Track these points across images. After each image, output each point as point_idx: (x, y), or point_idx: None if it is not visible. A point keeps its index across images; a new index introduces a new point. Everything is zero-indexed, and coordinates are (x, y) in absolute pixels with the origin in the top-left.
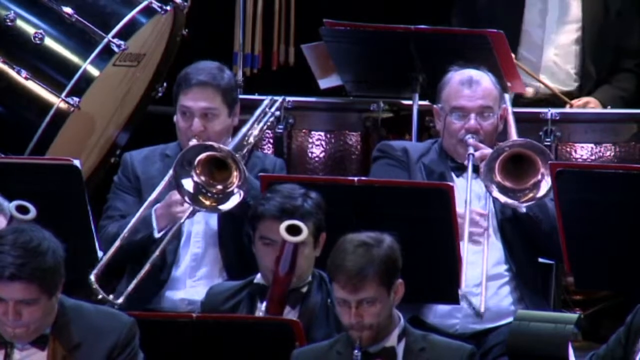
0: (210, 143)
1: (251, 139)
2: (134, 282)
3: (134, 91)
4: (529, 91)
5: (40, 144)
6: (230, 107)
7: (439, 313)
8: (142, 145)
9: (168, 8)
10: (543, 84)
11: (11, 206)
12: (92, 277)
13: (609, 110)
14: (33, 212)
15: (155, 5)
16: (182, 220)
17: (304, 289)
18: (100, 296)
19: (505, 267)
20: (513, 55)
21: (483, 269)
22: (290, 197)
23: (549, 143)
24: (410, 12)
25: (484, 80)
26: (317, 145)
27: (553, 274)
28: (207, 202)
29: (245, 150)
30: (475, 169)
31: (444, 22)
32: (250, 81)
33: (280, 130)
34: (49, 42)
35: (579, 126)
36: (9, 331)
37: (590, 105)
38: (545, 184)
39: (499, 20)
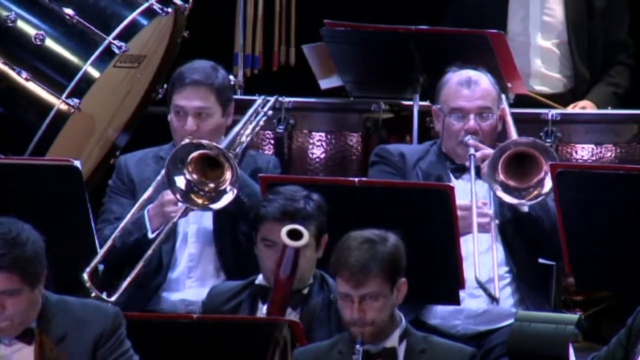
0: (201, 141)
1: (243, 138)
2: (127, 280)
3: (134, 92)
4: None
5: (41, 145)
6: (224, 106)
7: (440, 314)
8: (142, 146)
9: (169, 10)
10: (536, 98)
11: None
12: (85, 276)
13: (609, 111)
14: None
15: (157, 7)
16: (175, 219)
17: (305, 291)
18: (93, 294)
19: (506, 268)
20: None
21: (494, 256)
22: (292, 199)
23: (549, 144)
24: (410, 13)
25: (483, 80)
26: (317, 146)
27: (553, 274)
28: (200, 201)
29: (238, 149)
30: (476, 170)
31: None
32: (250, 82)
33: (281, 131)
34: (50, 44)
35: (579, 127)
36: None
37: (584, 107)
38: (549, 181)
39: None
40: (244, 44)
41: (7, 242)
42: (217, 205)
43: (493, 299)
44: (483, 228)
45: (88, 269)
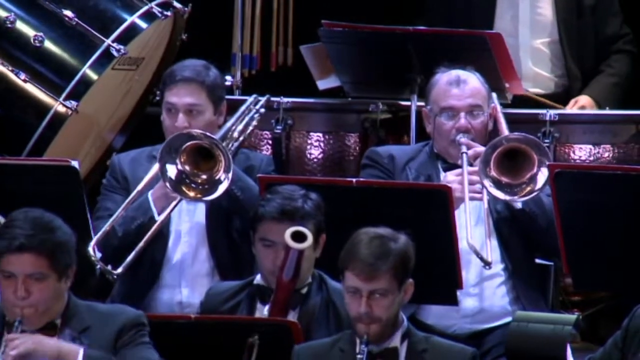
0: (195, 131)
1: (235, 134)
2: (133, 254)
3: (131, 94)
4: None
5: (38, 147)
6: (215, 104)
7: (436, 313)
8: (139, 147)
9: (168, 13)
10: (534, 98)
11: None
12: (90, 249)
13: (607, 111)
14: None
15: (156, 10)
16: (178, 199)
17: (304, 290)
18: (98, 266)
19: (501, 266)
20: None
21: (485, 221)
22: (290, 198)
23: (547, 144)
24: (408, 13)
25: (472, 79)
26: (315, 146)
27: (551, 275)
28: (191, 193)
29: (231, 146)
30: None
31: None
32: (248, 82)
33: (279, 131)
34: (49, 45)
35: (577, 127)
36: (17, 312)
37: (583, 105)
38: (542, 177)
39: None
40: (241, 45)
41: (38, 225)
42: (209, 197)
43: (486, 263)
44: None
45: (93, 243)
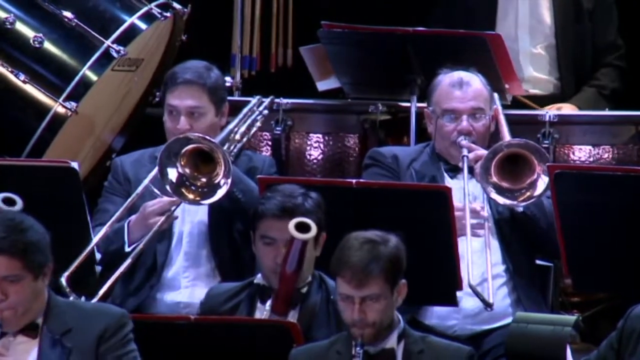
0: (195, 134)
1: (238, 136)
2: (107, 284)
3: (131, 95)
4: None
5: (37, 148)
6: (217, 106)
7: (437, 314)
8: (139, 148)
9: (168, 14)
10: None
11: None
12: (63, 280)
13: (607, 112)
14: (20, 203)
15: (156, 11)
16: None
17: (304, 289)
18: (71, 297)
19: (502, 267)
20: None
21: (487, 259)
22: (290, 196)
23: (547, 145)
24: (408, 14)
25: (474, 81)
26: (315, 147)
27: (551, 276)
28: (191, 196)
29: (233, 148)
30: (470, 170)
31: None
32: (248, 83)
33: (279, 132)
34: (48, 46)
35: (577, 128)
36: None
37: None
38: (542, 183)
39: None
40: (241, 46)
41: (9, 227)
42: (209, 200)
43: (487, 305)
44: (475, 234)
45: (66, 273)
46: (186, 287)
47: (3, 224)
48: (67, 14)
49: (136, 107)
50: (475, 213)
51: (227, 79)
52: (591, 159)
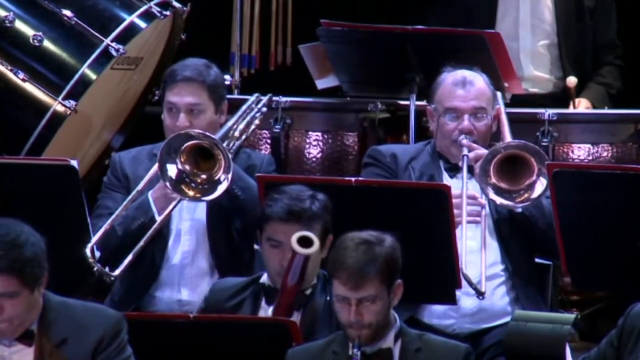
0: (195, 131)
1: (237, 133)
2: (130, 256)
3: (130, 94)
4: None
5: (37, 146)
6: (216, 103)
7: (435, 313)
8: (138, 146)
9: (167, 13)
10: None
11: None
12: (87, 251)
13: (606, 110)
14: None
15: (155, 9)
16: (177, 200)
17: (308, 291)
18: (95, 268)
19: (501, 267)
20: None
21: (482, 249)
22: (298, 199)
23: (546, 143)
24: (407, 13)
25: (478, 80)
26: (314, 146)
27: (550, 274)
28: (191, 192)
29: (232, 145)
30: (470, 170)
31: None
32: (247, 82)
33: (278, 131)
34: (48, 45)
35: (576, 127)
36: None
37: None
38: (540, 185)
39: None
40: (240, 44)
41: (6, 244)
42: (209, 197)
43: (479, 294)
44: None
45: (91, 244)
46: (185, 285)
47: None
48: (67, 12)
49: (135, 106)
50: (472, 199)
51: (227, 77)
52: (590, 158)
